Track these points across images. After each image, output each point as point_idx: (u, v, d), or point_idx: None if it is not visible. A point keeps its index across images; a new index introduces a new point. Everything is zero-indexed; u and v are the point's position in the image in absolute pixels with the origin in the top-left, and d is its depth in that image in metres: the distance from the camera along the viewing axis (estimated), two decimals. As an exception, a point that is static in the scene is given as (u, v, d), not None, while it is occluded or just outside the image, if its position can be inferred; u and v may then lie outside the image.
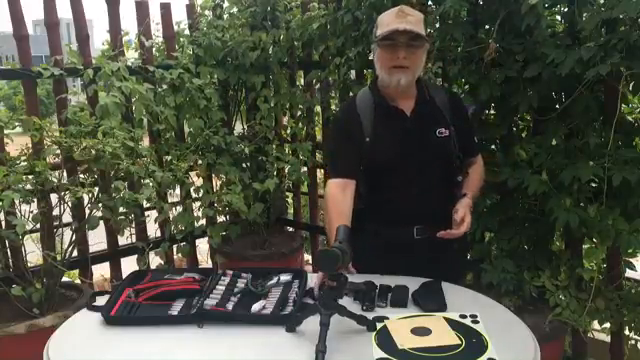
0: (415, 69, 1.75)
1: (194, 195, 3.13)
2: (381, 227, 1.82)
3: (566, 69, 1.91)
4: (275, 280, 1.67)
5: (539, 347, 1.34)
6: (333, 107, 3.32)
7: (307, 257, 3.97)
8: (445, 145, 1.81)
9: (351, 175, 1.81)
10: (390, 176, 1.81)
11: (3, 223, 2.58)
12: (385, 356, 1.28)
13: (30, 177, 2.51)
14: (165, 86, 2.99)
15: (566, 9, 2.14)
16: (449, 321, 1.43)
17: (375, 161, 1.81)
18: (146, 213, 3.06)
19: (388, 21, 1.72)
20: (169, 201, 3.14)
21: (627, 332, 2.29)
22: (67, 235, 2.69)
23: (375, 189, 1.82)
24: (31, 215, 2.55)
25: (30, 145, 2.63)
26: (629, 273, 2.20)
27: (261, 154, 3.33)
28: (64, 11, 3.09)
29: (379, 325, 1.42)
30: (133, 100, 2.84)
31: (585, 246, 2.30)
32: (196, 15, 3.32)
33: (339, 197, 1.78)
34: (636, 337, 2.30)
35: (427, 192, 1.78)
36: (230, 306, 1.54)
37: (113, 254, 3.08)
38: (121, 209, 2.75)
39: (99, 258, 3.03)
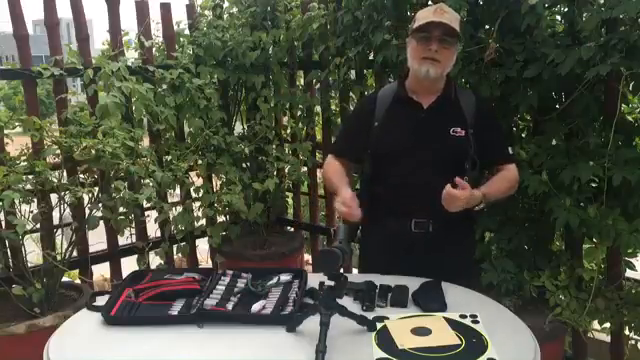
0: (445, 65, 1.79)
1: (194, 195, 3.13)
2: (384, 216, 1.85)
3: (566, 69, 1.91)
4: (275, 280, 1.67)
5: (539, 347, 1.34)
6: (333, 107, 3.32)
7: (307, 257, 3.97)
8: (457, 144, 1.81)
9: (347, 156, 1.99)
10: (395, 164, 1.83)
11: (3, 223, 2.58)
12: (385, 356, 1.28)
13: (30, 177, 2.50)
14: (165, 86, 2.98)
15: (566, 9, 2.14)
16: (449, 321, 1.43)
17: (381, 147, 1.86)
18: (146, 213, 3.06)
19: (425, 15, 1.78)
20: (169, 201, 3.14)
21: (627, 332, 2.29)
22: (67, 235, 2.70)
23: (381, 176, 1.85)
24: (31, 215, 2.55)
25: (30, 145, 2.63)
26: (629, 273, 2.20)
27: (261, 154, 3.33)
28: (64, 11, 3.09)
29: (379, 325, 1.42)
30: (133, 100, 2.84)
31: (585, 246, 2.30)
32: (196, 15, 3.32)
33: (335, 163, 1.99)
34: (636, 337, 2.30)
35: (429, 186, 1.77)
36: (230, 306, 1.54)
37: (113, 254, 3.08)
38: (121, 209, 2.75)
39: (99, 258, 3.03)
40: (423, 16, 1.78)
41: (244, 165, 3.38)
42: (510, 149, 1.94)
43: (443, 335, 1.37)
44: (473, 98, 1.90)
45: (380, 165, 1.86)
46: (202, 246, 3.48)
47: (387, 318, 1.46)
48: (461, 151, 1.81)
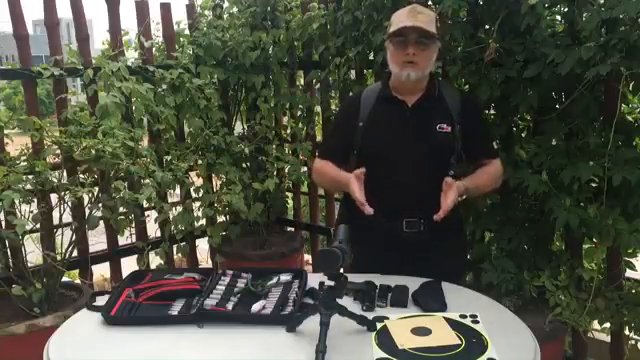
0: (425, 66, 1.80)
1: (194, 195, 3.13)
2: (374, 217, 1.82)
3: (566, 69, 1.91)
4: (275, 280, 1.67)
5: (539, 347, 1.34)
6: (333, 107, 3.32)
7: (307, 257, 3.97)
8: (444, 140, 1.83)
9: (333, 157, 1.96)
10: (383, 164, 1.83)
11: (3, 223, 2.57)
12: (385, 356, 1.28)
13: (30, 177, 2.50)
14: (165, 86, 2.98)
15: (566, 9, 2.14)
16: (449, 321, 1.43)
17: (367, 146, 1.86)
18: (146, 213, 3.06)
19: (400, 19, 1.78)
20: (169, 201, 3.13)
21: (627, 332, 2.29)
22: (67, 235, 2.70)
23: (368, 176, 1.82)
24: (31, 215, 2.55)
25: (30, 145, 2.63)
26: (629, 273, 2.20)
27: (261, 154, 3.33)
28: (64, 11, 3.09)
29: (379, 325, 1.42)
30: (133, 100, 2.84)
31: (585, 246, 2.30)
32: (196, 15, 3.32)
33: (323, 163, 1.98)
34: (636, 337, 2.30)
35: (418, 184, 1.79)
36: (230, 306, 1.55)
37: (113, 254, 3.08)
38: (121, 209, 2.75)
39: (99, 258, 3.03)
40: (398, 19, 1.79)
41: (244, 165, 3.38)
42: (494, 144, 1.96)
43: (443, 335, 1.37)
44: (457, 94, 1.92)
45: (367, 165, 1.82)
46: (202, 246, 3.48)
47: (387, 318, 1.46)
48: (448, 147, 1.83)
